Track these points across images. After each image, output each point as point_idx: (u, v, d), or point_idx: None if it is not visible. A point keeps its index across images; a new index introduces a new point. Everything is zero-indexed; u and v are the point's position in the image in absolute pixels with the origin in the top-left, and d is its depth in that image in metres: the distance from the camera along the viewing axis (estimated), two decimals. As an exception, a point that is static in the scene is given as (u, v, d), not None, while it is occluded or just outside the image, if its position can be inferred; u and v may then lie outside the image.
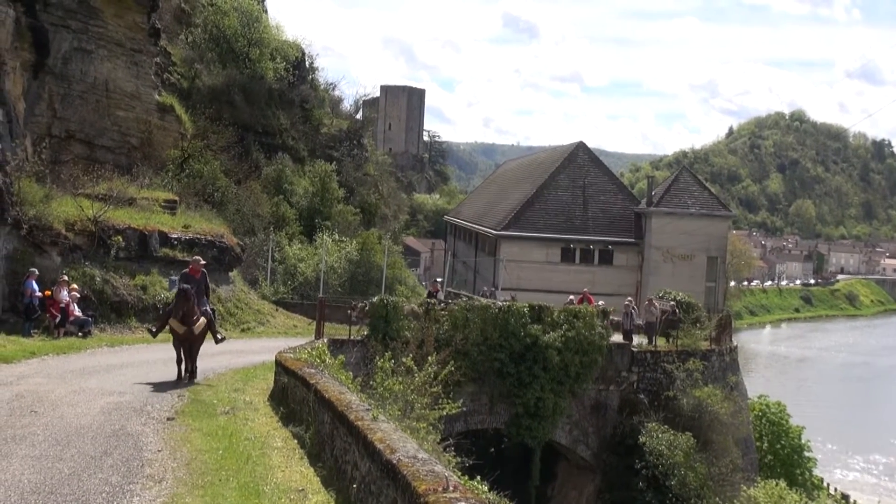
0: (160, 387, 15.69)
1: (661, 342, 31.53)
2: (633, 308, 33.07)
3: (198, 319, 16.79)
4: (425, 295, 30.94)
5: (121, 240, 27.49)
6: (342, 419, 9.96)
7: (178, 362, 17.08)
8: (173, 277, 30.04)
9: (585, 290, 36.43)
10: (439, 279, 32.96)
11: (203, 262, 18.54)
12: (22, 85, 30.01)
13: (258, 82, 50.55)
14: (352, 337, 25.61)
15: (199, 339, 17.29)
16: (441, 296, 30.50)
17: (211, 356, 21.65)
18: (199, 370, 18.95)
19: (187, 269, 18.05)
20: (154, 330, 18.30)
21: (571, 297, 34.50)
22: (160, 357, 17.07)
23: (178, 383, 16.70)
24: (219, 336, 18.36)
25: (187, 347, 17.00)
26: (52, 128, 32.26)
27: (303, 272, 42.12)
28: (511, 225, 54.66)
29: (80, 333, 24.05)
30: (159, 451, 10.94)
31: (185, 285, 16.82)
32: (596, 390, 29.51)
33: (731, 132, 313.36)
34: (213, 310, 18.95)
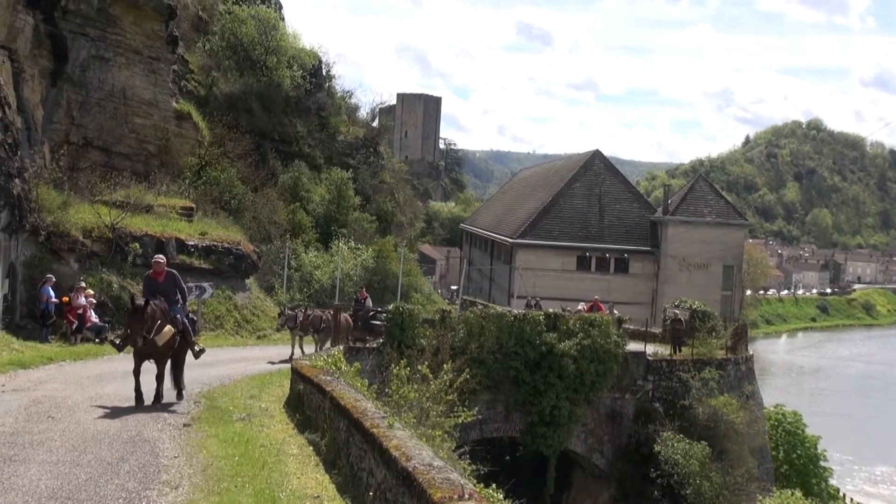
0: (172, 393, 15.65)
1: (683, 352, 31.51)
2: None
3: (160, 330, 13.87)
4: (352, 305, 29.63)
5: (138, 247, 27.62)
6: (358, 426, 9.95)
7: (136, 382, 14.31)
8: (190, 283, 30.19)
9: (596, 297, 36.43)
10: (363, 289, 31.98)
11: (164, 261, 15.59)
12: (40, 92, 30.19)
13: (275, 90, 50.69)
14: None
15: (166, 352, 14.50)
16: (369, 303, 29.39)
17: (227, 363, 21.73)
18: (214, 376, 18.83)
19: (149, 273, 15.46)
20: (119, 343, 16.02)
21: (582, 304, 34.46)
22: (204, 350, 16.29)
23: (139, 407, 14.09)
24: (197, 348, 15.65)
25: (159, 364, 14.58)
26: (70, 135, 32.42)
27: (319, 279, 42.14)
28: (527, 233, 54.66)
29: (96, 339, 24.14)
30: (175, 457, 10.95)
31: (140, 301, 14.09)
32: (611, 398, 29.43)
33: (747, 141, 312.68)
34: (192, 318, 16.45)
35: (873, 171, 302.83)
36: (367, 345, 25.34)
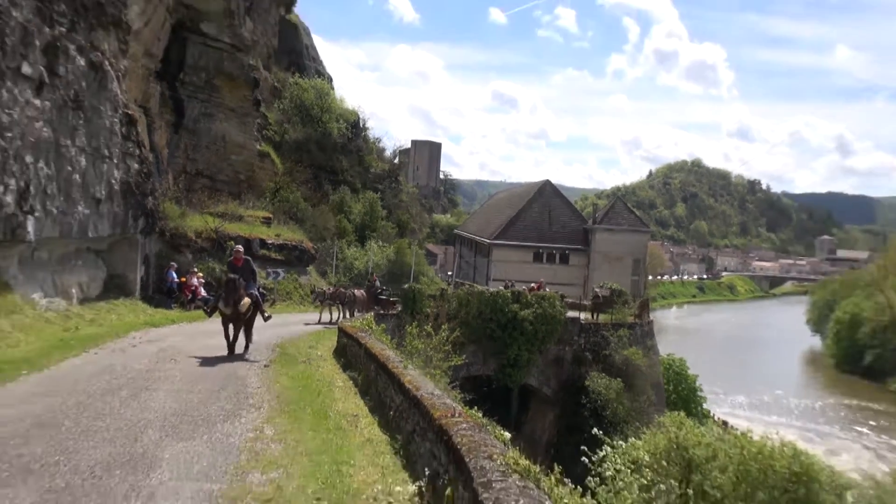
0: (259, 345, 15.61)
1: (604, 318, 31.59)
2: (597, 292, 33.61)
3: (240, 300, 13.60)
4: (365, 285, 28.18)
5: (233, 244, 27.58)
6: (383, 367, 9.98)
7: (226, 338, 13.96)
8: (268, 269, 30.17)
9: (542, 279, 36.61)
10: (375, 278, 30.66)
11: (242, 251, 14.83)
12: (166, 137, 30.19)
13: (327, 137, 50.59)
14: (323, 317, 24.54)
15: (245, 318, 14.06)
16: (378, 284, 27.96)
17: (294, 324, 21.74)
18: (285, 333, 18.81)
19: (231, 259, 14.70)
20: (209, 312, 15.26)
21: (532, 283, 34.51)
22: (259, 325, 16.25)
23: (231, 356, 13.72)
24: (266, 315, 14.90)
25: (237, 325, 13.98)
26: (186, 167, 32.44)
27: (357, 267, 42.21)
28: (500, 236, 54.63)
29: (205, 308, 24.17)
30: (258, 387, 10.98)
31: (232, 275, 13.78)
32: (556, 349, 29.54)
33: (650, 174, 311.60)
34: (261, 293, 15.55)
35: (736, 194, 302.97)
36: (389, 312, 24.96)
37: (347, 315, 24.12)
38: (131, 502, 5.57)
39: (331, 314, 24.63)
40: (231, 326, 13.94)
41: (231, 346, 13.98)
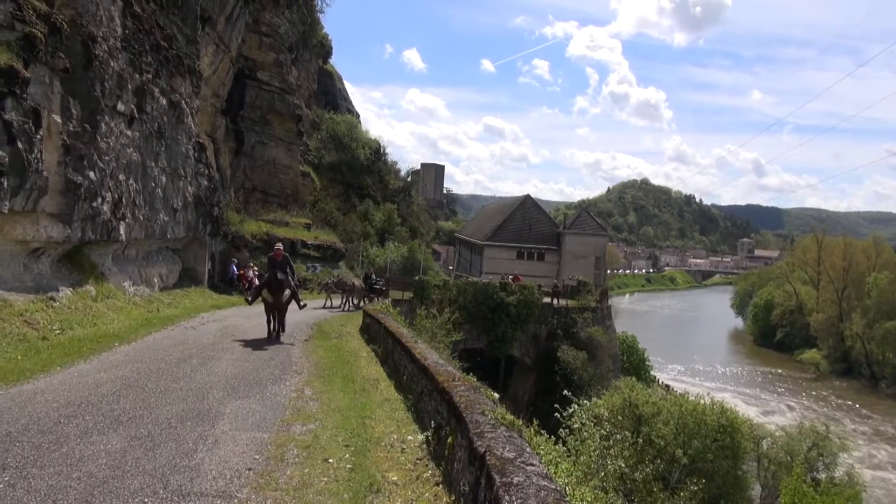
0: (299, 324, 15.58)
1: (572, 303, 31.46)
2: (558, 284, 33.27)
3: (282, 291, 12.76)
4: (363, 276, 25.51)
5: (281, 244, 27.56)
6: (398, 342, 9.90)
7: (268, 322, 12.95)
8: (309, 265, 30.04)
9: (516, 272, 36.64)
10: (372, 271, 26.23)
11: (281, 247, 13.69)
12: (229, 160, 30.15)
13: (355, 161, 50.49)
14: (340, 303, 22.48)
15: (285, 306, 13.01)
16: (373, 276, 25.07)
17: (329, 309, 21.45)
18: (321, 315, 18.69)
19: (272, 254, 13.41)
20: (250, 300, 14.31)
21: (510, 276, 34.34)
22: (294, 309, 15.49)
23: (269, 339, 12.65)
24: (301, 304, 13.88)
25: (276, 312, 12.90)
26: (245, 184, 32.35)
27: (378, 263, 42.17)
28: (490, 238, 54.43)
29: (247, 297, 23.69)
30: (300, 357, 10.92)
31: (280, 276, 12.74)
32: (534, 327, 29.47)
33: (608, 190, 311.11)
34: (297, 284, 14.28)
35: (675, 206, 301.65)
36: (380, 299, 22.79)
37: (349, 300, 22.25)
38: (199, 447, 5.52)
39: (331, 301, 22.54)
40: (273, 314, 12.92)
41: (272, 331, 12.96)
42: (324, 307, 21.34)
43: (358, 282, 23.63)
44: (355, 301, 22.30)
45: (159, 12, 17.20)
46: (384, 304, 17.99)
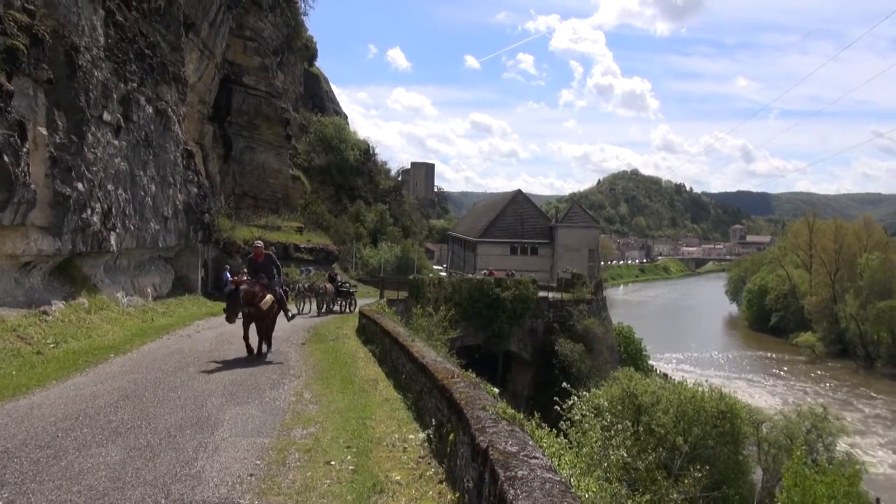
0: (296, 328, 15.49)
1: (567, 296, 31.52)
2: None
3: (262, 298, 10.36)
4: (327, 277, 24.18)
5: (273, 249, 27.43)
6: (395, 341, 9.88)
7: (245, 338, 10.49)
8: (303, 268, 29.92)
9: (491, 267, 36.71)
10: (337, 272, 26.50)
11: (262, 245, 11.23)
12: (218, 166, 30.03)
13: (345, 162, 50.40)
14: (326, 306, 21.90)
15: (267, 316, 10.59)
16: (339, 278, 24.17)
17: (300, 315, 20.81)
18: (317, 318, 18.64)
19: (251, 255, 11.16)
20: (227, 318, 10.35)
21: (485, 271, 34.34)
22: (296, 315, 14.98)
23: (250, 358, 10.38)
24: (290, 314, 11.85)
25: (259, 325, 10.51)
26: (235, 189, 32.25)
27: (371, 263, 42.07)
28: (483, 235, 54.51)
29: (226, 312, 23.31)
30: (297, 361, 10.85)
31: (230, 288, 10.38)
32: (530, 321, 29.51)
33: (599, 182, 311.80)
34: (284, 290, 11.81)
35: (666, 195, 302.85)
36: (348, 302, 22.50)
37: (321, 304, 21.50)
38: (199, 455, 5.48)
39: (302, 305, 21.46)
40: (253, 326, 10.50)
41: (251, 347, 10.55)
42: (300, 313, 19.96)
43: (330, 285, 22.62)
44: (329, 304, 21.64)
45: (142, 20, 17.07)
46: (379, 305, 17.93)
